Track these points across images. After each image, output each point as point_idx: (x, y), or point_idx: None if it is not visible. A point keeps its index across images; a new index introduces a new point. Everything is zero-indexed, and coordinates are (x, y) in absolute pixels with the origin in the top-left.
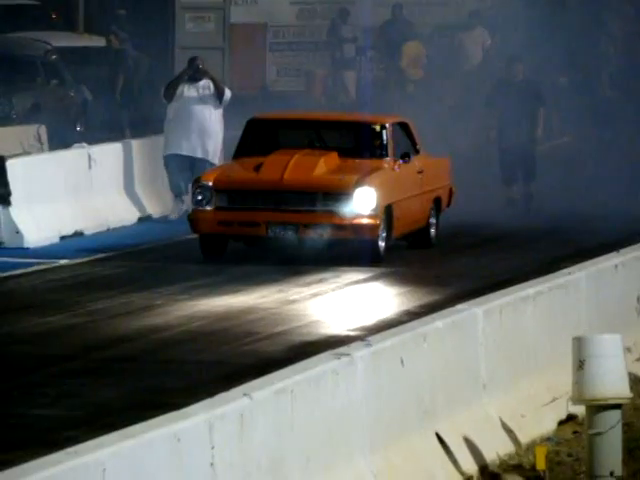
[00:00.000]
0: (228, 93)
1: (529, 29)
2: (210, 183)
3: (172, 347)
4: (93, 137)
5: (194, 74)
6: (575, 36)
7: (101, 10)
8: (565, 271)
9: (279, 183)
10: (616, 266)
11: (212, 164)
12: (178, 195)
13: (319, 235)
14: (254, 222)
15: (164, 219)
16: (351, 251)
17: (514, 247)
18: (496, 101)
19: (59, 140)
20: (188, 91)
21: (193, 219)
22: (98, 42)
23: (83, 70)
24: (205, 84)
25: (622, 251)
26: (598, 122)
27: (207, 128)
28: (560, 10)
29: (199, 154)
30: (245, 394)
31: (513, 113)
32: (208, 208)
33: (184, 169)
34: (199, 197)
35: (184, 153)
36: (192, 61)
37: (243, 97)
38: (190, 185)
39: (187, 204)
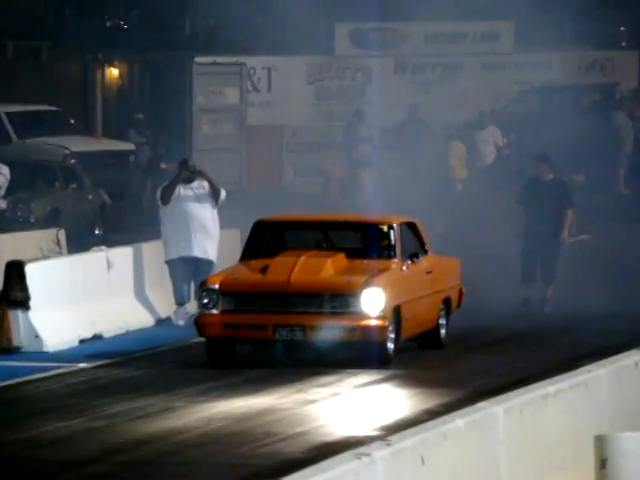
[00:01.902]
0: (223, 193)
1: (543, 128)
2: (216, 286)
3: (192, 449)
4: (112, 240)
5: (189, 175)
6: (587, 136)
7: (119, 114)
8: (585, 369)
9: (285, 285)
10: (637, 363)
11: (214, 264)
12: (181, 304)
13: (327, 337)
14: (261, 325)
15: (173, 325)
16: (360, 353)
17: (531, 346)
18: (525, 199)
19: (78, 244)
20: (184, 192)
21: (199, 323)
22: (116, 146)
23: (101, 174)
24: (199, 184)
25: None
26: (615, 220)
27: (207, 228)
28: (573, 111)
29: (201, 255)
30: None
31: (540, 212)
32: (214, 311)
33: (187, 272)
34: (205, 300)
35: (187, 255)
36: (185, 162)
37: (260, 198)
38: (194, 289)
39: (192, 308)
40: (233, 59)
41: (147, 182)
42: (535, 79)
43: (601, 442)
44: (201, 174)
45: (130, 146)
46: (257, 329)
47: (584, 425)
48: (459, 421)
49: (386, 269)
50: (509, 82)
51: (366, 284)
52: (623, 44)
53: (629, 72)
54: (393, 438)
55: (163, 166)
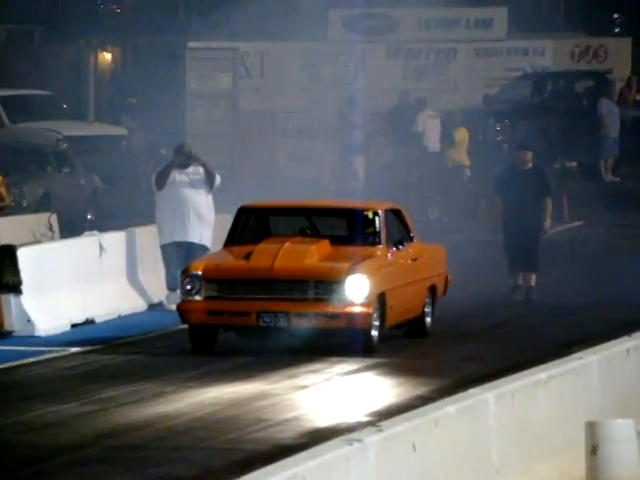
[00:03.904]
0: (218, 178)
1: (536, 116)
2: (199, 272)
3: (183, 434)
4: (104, 225)
5: (185, 160)
6: (577, 122)
7: (111, 99)
8: (576, 355)
9: (269, 271)
10: (628, 350)
11: (208, 249)
12: (173, 289)
13: (311, 324)
14: (244, 312)
15: (165, 310)
16: (344, 340)
17: (519, 333)
18: (503, 187)
19: (70, 228)
20: (179, 177)
21: (182, 309)
22: (109, 131)
23: (93, 158)
24: (195, 170)
25: (634, 335)
26: (604, 207)
27: (202, 214)
28: (566, 98)
29: (196, 240)
30: None
31: (519, 200)
32: (197, 298)
33: (181, 257)
34: (188, 287)
35: (181, 240)
36: (181, 147)
37: (252, 183)
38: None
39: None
40: (226, 44)
41: (146, 166)
42: (528, 66)
43: (592, 428)
44: (196, 159)
45: (122, 131)
46: (241, 316)
47: (575, 411)
48: (450, 407)
49: (371, 256)
50: (502, 68)
51: (350, 271)
52: (616, 30)
53: (622, 59)
54: (384, 424)
55: (163, 152)
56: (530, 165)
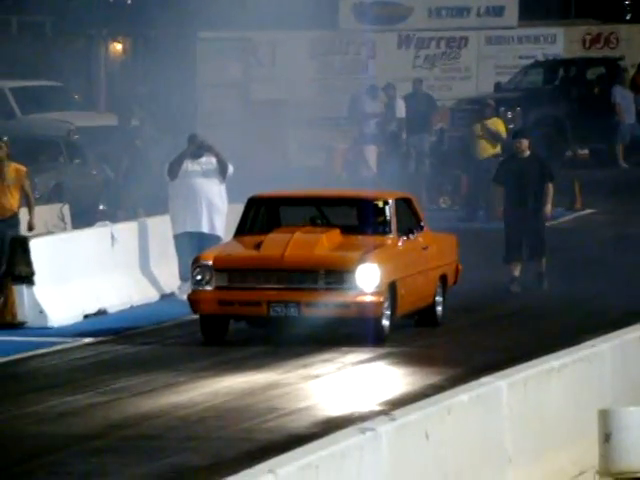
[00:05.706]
0: (231, 168)
1: (547, 103)
2: (210, 262)
3: (196, 424)
4: (116, 215)
5: (197, 150)
6: (589, 110)
7: (122, 90)
8: (589, 343)
9: (280, 261)
10: None
11: (221, 239)
12: (186, 279)
13: (321, 314)
14: (255, 301)
15: (177, 300)
16: (354, 329)
17: (529, 322)
18: (502, 177)
19: (82, 219)
20: (192, 167)
21: (193, 300)
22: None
23: (105, 149)
24: (207, 160)
25: None
26: (616, 194)
27: (214, 203)
28: (578, 85)
29: (209, 230)
30: (270, 470)
31: (520, 189)
32: (208, 288)
33: (194, 247)
34: (199, 277)
35: (193, 230)
36: (194, 138)
37: (263, 173)
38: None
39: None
40: (237, 34)
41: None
42: (539, 53)
43: (605, 416)
44: (209, 149)
45: (133, 121)
46: (251, 305)
47: (588, 399)
48: (463, 396)
49: (381, 245)
50: (513, 56)
51: (361, 260)
52: (628, 17)
53: (634, 45)
54: (397, 413)
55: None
56: (527, 153)
